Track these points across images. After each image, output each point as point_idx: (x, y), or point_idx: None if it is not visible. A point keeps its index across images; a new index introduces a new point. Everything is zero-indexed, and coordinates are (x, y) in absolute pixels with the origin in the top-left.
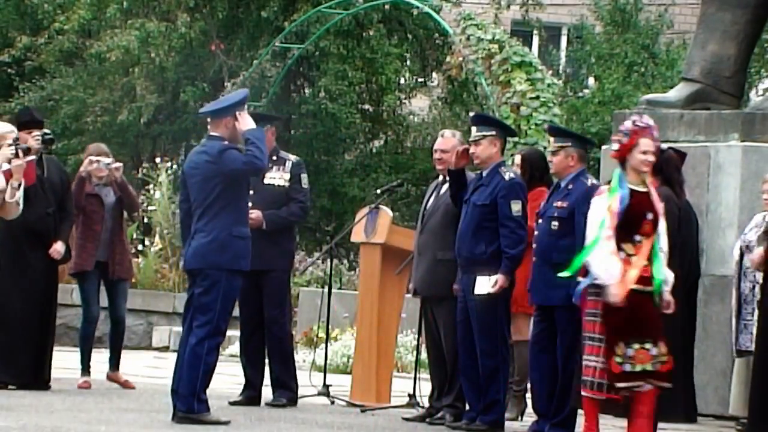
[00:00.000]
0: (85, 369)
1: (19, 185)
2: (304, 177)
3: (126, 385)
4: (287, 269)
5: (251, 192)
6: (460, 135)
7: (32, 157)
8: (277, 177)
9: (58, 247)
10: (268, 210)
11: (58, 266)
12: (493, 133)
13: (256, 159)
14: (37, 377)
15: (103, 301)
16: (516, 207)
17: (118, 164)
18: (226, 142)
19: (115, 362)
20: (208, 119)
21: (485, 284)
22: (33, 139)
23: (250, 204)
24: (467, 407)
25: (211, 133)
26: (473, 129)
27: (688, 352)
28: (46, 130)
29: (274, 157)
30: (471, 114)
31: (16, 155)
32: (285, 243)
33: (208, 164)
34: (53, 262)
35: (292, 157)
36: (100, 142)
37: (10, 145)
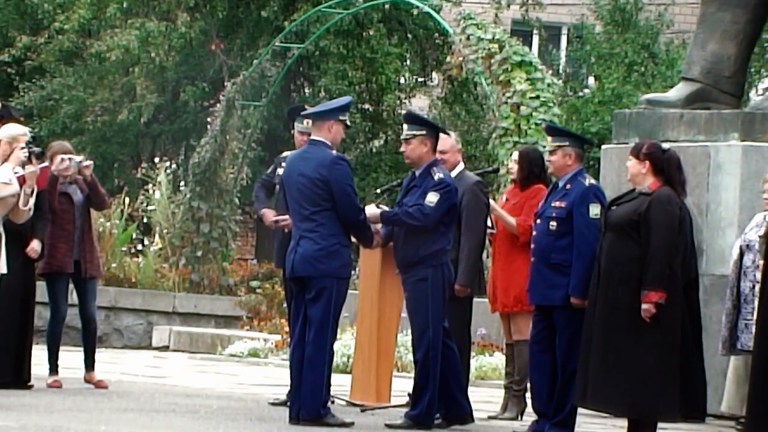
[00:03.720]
0: (54, 368)
1: (32, 191)
2: None
3: (99, 385)
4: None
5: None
6: (457, 135)
7: (46, 164)
8: None
9: (35, 246)
10: None
11: (35, 264)
12: (423, 132)
13: (361, 215)
14: (17, 377)
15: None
16: (432, 198)
17: (89, 162)
18: (334, 151)
19: (90, 363)
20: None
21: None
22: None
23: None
24: (473, 405)
25: (314, 138)
26: (404, 127)
27: (688, 351)
28: (36, 149)
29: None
30: (403, 113)
31: (29, 158)
32: None
33: (317, 172)
34: (30, 260)
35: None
36: (100, 141)
37: (23, 148)
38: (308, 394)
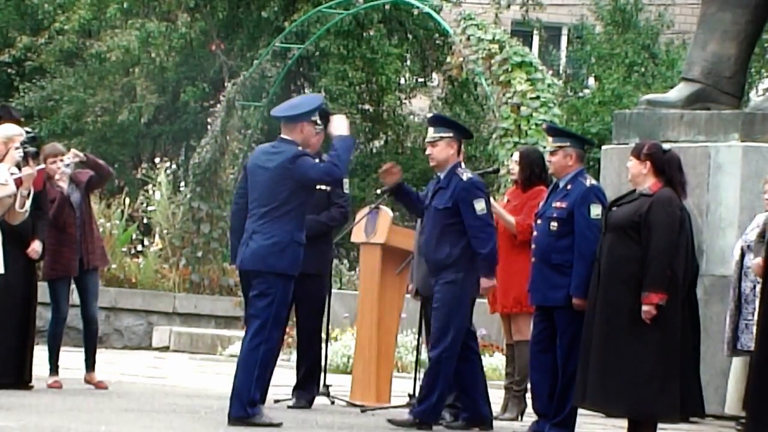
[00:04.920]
0: (54, 369)
1: (29, 194)
2: (346, 181)
3: (99, 386)
4: (325, 275)
5: None
6: None
7: (42, 166)
8: None
9: (36, 247)
10: (309, 213)
11: (35, 265)
12: (450, 134)
13: (335, 168)
14: (18, 378)
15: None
16: (479, 206)
17: (76, 155)
18: (300, 148)
19: (90, 363)
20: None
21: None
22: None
23: None
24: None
25: (284, 137)
26: (430, 130)
27: (688, 351)
28: (27, 129)
29: (317, 160)
30: (428, 115)
31: (25, 159)
32: (323, 247)
33: (280, 167)
34: (31, 261)
35: None
36: (100, 142)
37: (17, 148)
38: (236, 393)
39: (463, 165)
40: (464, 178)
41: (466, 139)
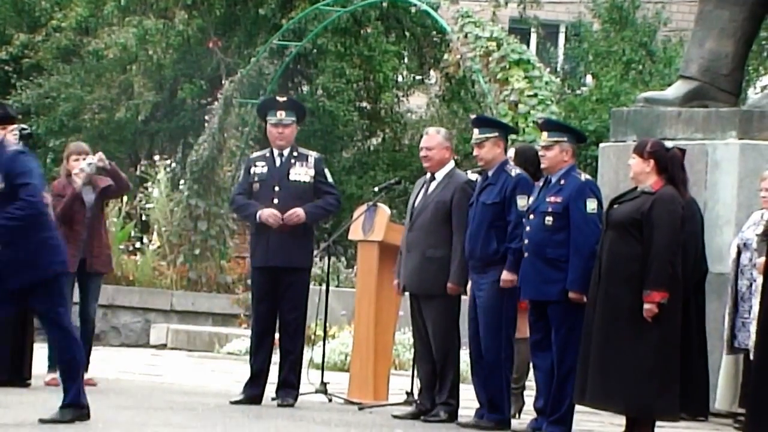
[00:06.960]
0: (53, 366)
1: None
2: (327, 171)
3: (87, 383)
4: (308, 268)
5: (276, 188)
6: (445, 132)
7: None
8: (302, 173)
9: None
10: (293, 206)
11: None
12: (496, 134)
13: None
14: (15, 375)
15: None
16: (521, 202)
17: (99, 158)
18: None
19: (85, 363)
20: None
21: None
22: (10, 134)
23: (276, 201)
24: (478, 404)
25: None
26: (475, 131)
27: (692, 350)
28: (24, 126)
29: (295, 153)
30: (472, 116)
31: None
32: (307, 241)
33: None
34: None
35: (313, 153)
36: (98, 139)
37: None
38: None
39: (511, 162)
40: (513, 174)
41: (512, 135)
